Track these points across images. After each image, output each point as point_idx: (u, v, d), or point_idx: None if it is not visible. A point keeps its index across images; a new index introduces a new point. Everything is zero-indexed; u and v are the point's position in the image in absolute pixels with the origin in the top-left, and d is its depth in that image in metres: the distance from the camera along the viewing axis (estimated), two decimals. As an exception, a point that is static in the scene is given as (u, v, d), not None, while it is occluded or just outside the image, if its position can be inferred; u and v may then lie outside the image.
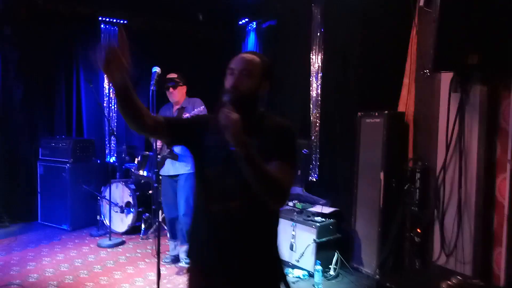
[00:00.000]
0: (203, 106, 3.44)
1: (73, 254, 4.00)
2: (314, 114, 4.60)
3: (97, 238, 4.45)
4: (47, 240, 4.42)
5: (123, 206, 4.64)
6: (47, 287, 3.22)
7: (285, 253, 3.68)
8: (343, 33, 4.18)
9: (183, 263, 3.62)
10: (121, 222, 4.64)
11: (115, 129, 5.57)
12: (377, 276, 3.30)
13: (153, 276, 3.35)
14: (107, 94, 5.69)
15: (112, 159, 5.65)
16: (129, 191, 4.62)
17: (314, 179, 4.52)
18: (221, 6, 5.14)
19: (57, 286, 3.24)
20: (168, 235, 3.88)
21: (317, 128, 4.57)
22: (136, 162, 4.81)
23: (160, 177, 3.63)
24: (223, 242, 1.37)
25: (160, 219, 4.03)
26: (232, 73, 1.38)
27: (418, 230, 3.08)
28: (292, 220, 3.67)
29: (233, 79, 1.36)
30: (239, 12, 5.58)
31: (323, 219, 3.61)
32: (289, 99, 5.00)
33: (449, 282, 2.11)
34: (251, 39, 5.78)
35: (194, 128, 1.50)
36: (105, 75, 1.22)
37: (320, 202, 3.99)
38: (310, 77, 4.62)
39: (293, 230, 3.63)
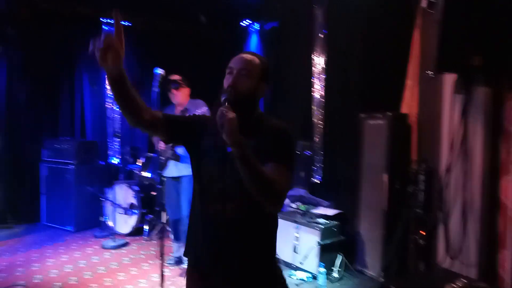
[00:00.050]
0: (206, 108, 3.45)
1: (77, 255, 4.01)
2: (317, 115, 4.59)
3: (101, 239, 4.46)
4: (51, 241, 4.44)
5: (127, 207, 4.65)
6: (51, 288, 3.24)
7: (288, 255, 3.68)
8: (345, 35, 4.17)
9: (186, 265, 3.62)
10: (124, 223, 4.65)
11: (118, 130, 5.59)
12: (381, 279, 3.29)
13: (156, 278, 3.36)
14: (111, 96, 5.71)
15: (116, 161, 5.67)
16: (132, 192, 4.63)
17: (318, 181, 4.51)
18: (223, 7, 5.14)
19: (61, 287, 3.25)
20: (171, 236, 3.89)
21: (320, 130, 4.57)
22: (139, 163, 4.84)
23: (164, 178, 3.63)
24: (220, 243, 1.37)
25: (163, 221, 4.03)
26: (231, 72, 1.38)
27: (423, 232, 3.07)
28: (295, 222, 3.66)
29: (231, 78, 1.36)
30: (241, 13, 5.59)
31: (327, 221, 3.60)
32: (291, 101, 5.00)
33: (453, 285, 2.10)
34: (253, 40, 5.79)
35: (193, 128, 1.48)
36: (100, 63, 1.19)
37: (324, 204, 3.99)
38: (312, 79, 4.62)
39: (297, 232, 3.62)
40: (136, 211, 4.60)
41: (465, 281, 2.14)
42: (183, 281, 3.40)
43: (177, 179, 3.59)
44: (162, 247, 2.65)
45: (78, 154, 4.85)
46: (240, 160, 1.17)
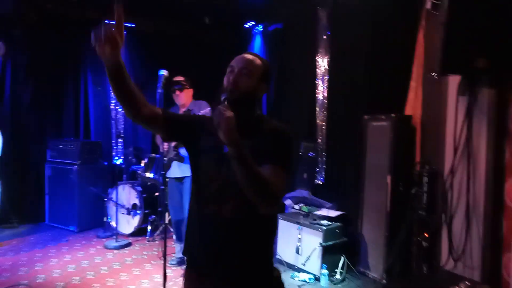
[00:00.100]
0: (209, 108, 3.46)
1: (80, 255, 4.02)
2: (321, 117, 4.59)
3: (104, 239, 4.47)
4: (54, 241, 4.46)
5: (130, 208, 4.66)
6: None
7: (291, 257, 3.68)
8: (349, 36, 4.17)
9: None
10: (127, 224, 4.66)
11: (122, 131, 5.61)
12: (384, 281, 3.27)
13: (159, 278, 3.37)
14: (114, 96, 5.74)
15: (119, 161, 5.68)
16: (135, 193, 4.64)
17: (321, 182, 4.50)
18: (227, 9, 5.16)
19: (64, 287, 3.26)
20: (174, 237, 3.89)
21: (323, 131, 4.56)
22: (142, 164, 4.85)
23: (167, 179, 3.64)
24: (216, 243, 1.37)
25: (166, 221, 4.05)
26: (232, 71, 1.38)
27: (426, 234, 3.06)
28: (298, 223, 3.66)
29: (232, 76, 1.36)
30: (245, 15, 5.60)
31: (330, 223, 3.59)
32: (295, 102, 5.00)
33: (457, 287, 2.09)
34: (257, 42, 5.80)
35: (192, 127, 1.48)
36: (98, 53, 1.20)
37: (327, 206, 3.98)
38: (316, 80, 4.62)
39: (299, 234, 3.62)
40: (139, 212, 4.61)
41: (468, 283, 2.13)
42: (185, 282, 3.40)
43: (180, 180, 3.60)
44: (164, 247, 2.66)
45: (82, 154, 4.88)
46: (236, 159, 1.16)
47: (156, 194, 4.70)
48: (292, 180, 4.44)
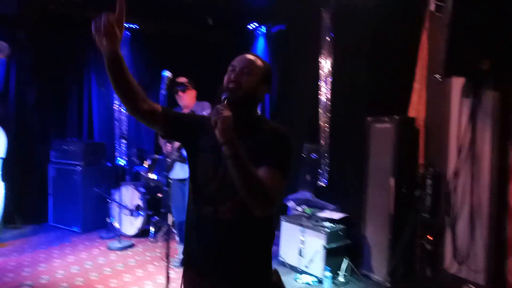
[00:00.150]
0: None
1: (83, 256, 4.03)
2: (323, 118, 4.59)
3: (107, 240, 4.48)
4: (58, 242, 4.47)
5: (133, 209, 4.67)
6: (57, 289, 3.26)
7: (294, 259, 3.67)
8: (353, 38, 4.16)
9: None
10: (130, 225, 4.67)
11: (125, 132, 5.63)
12: (388, 284, 3.26)
13: (162, 280, 3.37)
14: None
15: (122, 162, 5.70)
16: (139, 194, 4.65)
17: (324, 184, 4.49)
18: (230, 10, 5.17)
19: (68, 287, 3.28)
20: (177, 238, 3.90)
21: (326, 133, 4.56)
22: (146, 165, 4.86)
23: (170, 180, 3.65)
24: (214, 244, 1.37)
25: (169, 223, 4.05)
26: (233, 70, 1.38)
27: (430, 237, 3.05)
28: (301, 225, 3.65)
29: (233, 75, 1.36)
30: (248, 16, 5.61)
31: (333, 225, 3.58)
32: (298, 104, 4.99)
33: (461, 290, 2.08)
34: (260, 44, 5.80)
35: (192, 126, 1.47)
36: (97, 43, 1.20)
37: (330, 208, 3.97)
38: (319, 82, 4.61)
39: (303, 236, 3.61)
40: (142, 213, 4.62)
41: (472, 287, 2.12)
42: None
43: (183, 181, 3.60)
44: (167, 249, 2.66)
45: (85, 155, 4.89)
46: (231, 159, 1.16)
47: (159, 195, 4.70)
48: (292, 182, 4.43)
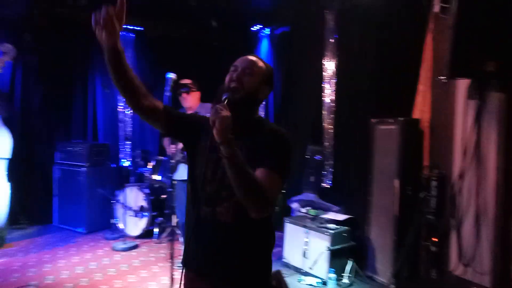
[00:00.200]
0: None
1: (88, 257, 4.05)
2: (328, 120, 4.58)
3: (112, 241, 4.49)
4: (62, 242, 4.49)
5: (137, 210, 4.68)
6: (62, 289, 3.28)
7: (298, 260, 3.66)
8: (357, 39, 4.16)
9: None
10: (135, 226, 4.69)
11: (130, 133, 5.66)
12: (392, 286, 3.25)
13: (166, 280, 3.37)
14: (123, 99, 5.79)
15: (127, 164, 5.72)
16: (143, 195, 4.67)
17: (328, 186, 4.49)
18: (234, 12, 5.18)
19: (72, 288, 3.29)
20: (181, 239, 3.90)
21: (330, 134, 4.55)
22: (150, 166, 4.88)
23: (174, 181, 3.66)
24: (213, 245, 1.37)
25: (173, 224, 4.06)
26: (235, 70, 1.39)
27: (435, 239, 3.03)
28: (305, 227, 3.65)
29: (235, 74, 1.37)
30: (252, 18, 5.62)
31: (337, 227, 3.57)
32: (302, 105, 4.99)
33: (466, 293, 2.07)
34: (264, 45, 5.82)
35: (192, 126, 1.47)
36: (97, 37, 1.21)
37: (334, 209, 3.96)
38: (323, 83, 4.61)
39: (307, 237, 3.61)
40: (146, 214, 4.63)
41: (478, 289, 2.11)
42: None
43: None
44: (172, 249, 2.67)
45: (90, 156, 4.92)
46: (227, 159, 1.16)
47: (163, 196, 4.71)
48: (296, 184, 4.43)
